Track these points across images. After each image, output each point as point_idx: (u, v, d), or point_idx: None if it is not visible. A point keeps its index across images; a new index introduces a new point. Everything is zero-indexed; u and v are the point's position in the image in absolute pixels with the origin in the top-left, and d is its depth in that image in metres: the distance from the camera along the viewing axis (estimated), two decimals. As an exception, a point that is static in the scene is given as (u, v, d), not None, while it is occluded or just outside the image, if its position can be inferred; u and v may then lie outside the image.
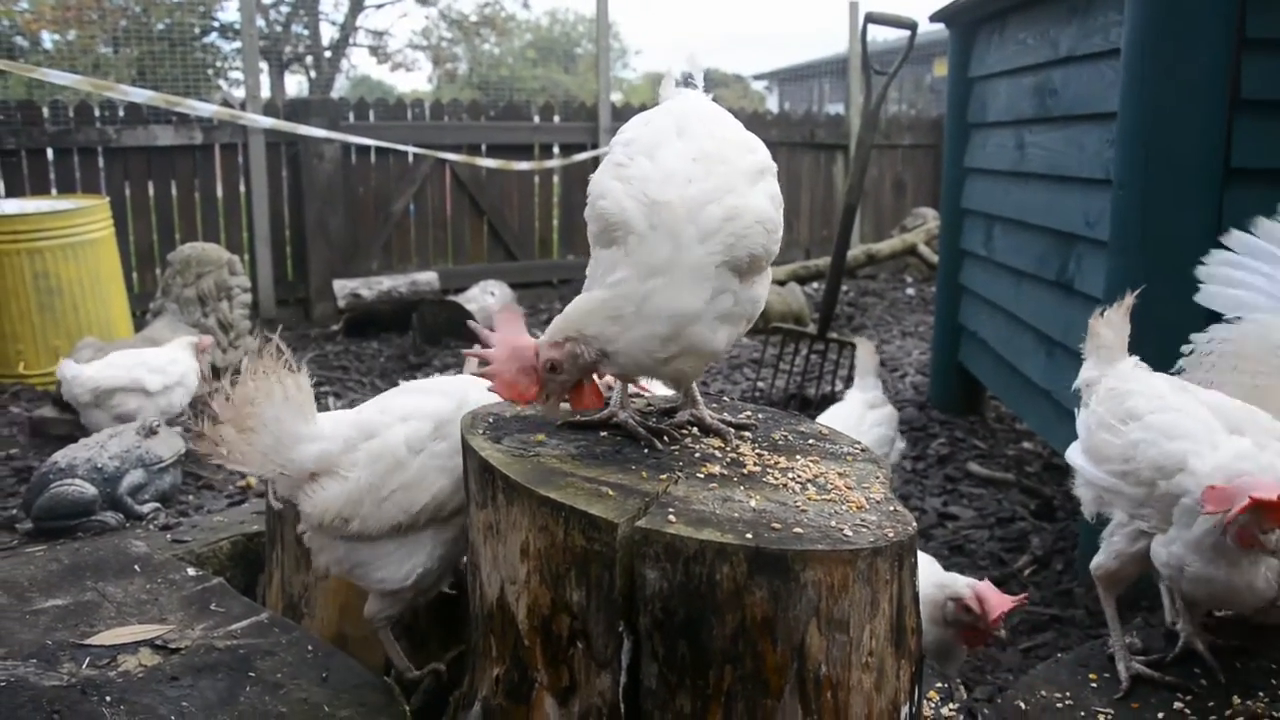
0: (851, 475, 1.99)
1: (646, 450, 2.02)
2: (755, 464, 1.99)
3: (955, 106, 6.50)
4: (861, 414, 4.70)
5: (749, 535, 1.64)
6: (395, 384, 2.91)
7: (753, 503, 1.78)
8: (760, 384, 6.87)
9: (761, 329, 7.08)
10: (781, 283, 9.26)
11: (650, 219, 1.90)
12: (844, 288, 11.08)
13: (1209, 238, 3.88)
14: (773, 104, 40.03)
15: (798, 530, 1.69)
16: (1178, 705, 2.39)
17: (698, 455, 2.01)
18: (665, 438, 2.09)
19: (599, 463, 1.93)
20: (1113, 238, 4.05)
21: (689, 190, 1.91)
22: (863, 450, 2.18)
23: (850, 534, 1.70)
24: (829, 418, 4.54)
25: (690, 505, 1.74)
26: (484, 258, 10.40)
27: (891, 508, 1.86)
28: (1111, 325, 2.85)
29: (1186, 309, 3.92)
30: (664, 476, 1.88)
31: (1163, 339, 3.91)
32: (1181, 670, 2.51)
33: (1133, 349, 2.87)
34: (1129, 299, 2.86)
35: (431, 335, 8.11)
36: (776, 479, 1.92)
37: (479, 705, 1.98)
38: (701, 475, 1.90)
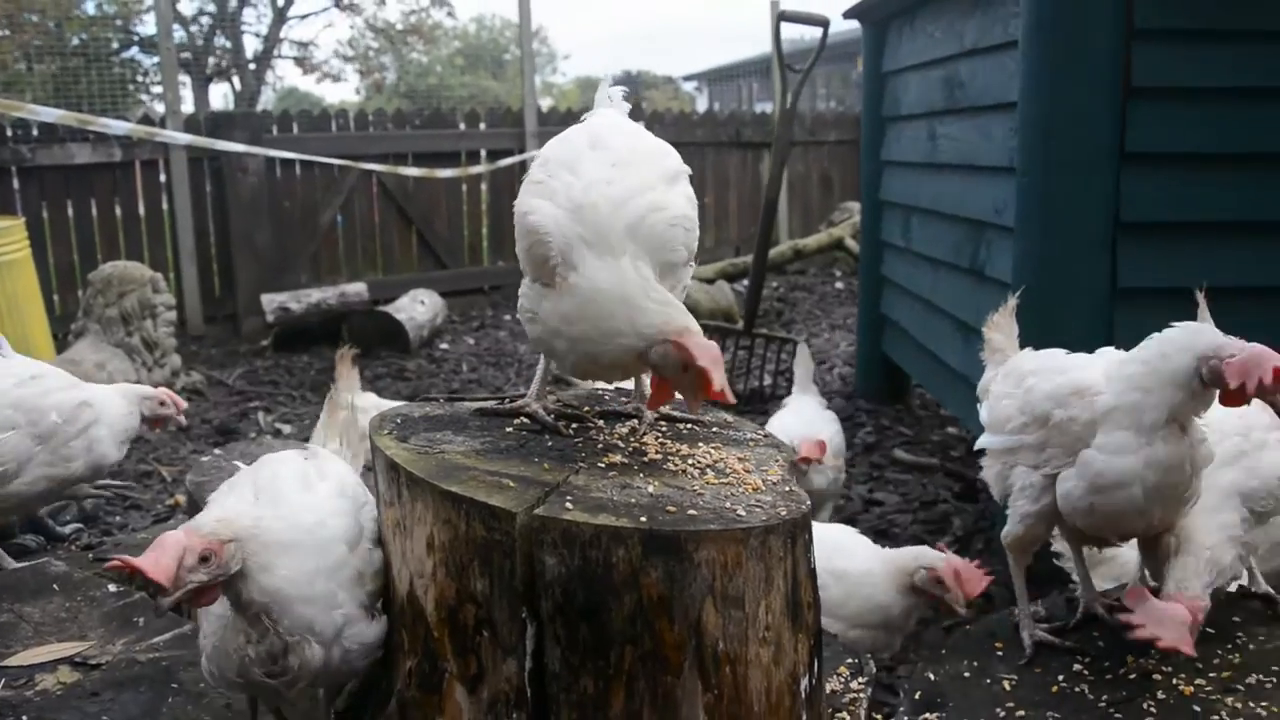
0: (751, 460, 2.06)
1: (551, 443, 2.07)
2: (657, 452, 2.04)
3: (870, 101, 6.63)
4: (819, 412, 4.72)
5: (643, 519, 1.69)
6: (324, 396, 2.94)
7: (650, 488, 1.84)
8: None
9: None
10: (710, 280, 9.35)
11: (578, 220, 1.94)
12: (774, 284, 11.22)
13: (1108, 220, 4.04)
14: (702, 104, 40.28)
15: (692, 512, 1.74)
16: (1077, 668, 2.49)
17: (601, 446, 2.06)
18: (573, 426, 2.15)
19: (503, 456, 1.97)
20: (1018, 224, 4.16)
21: (610, 190, 1.96)
22: (765, 436, 2.25)
23: (744, 514, 1.76)
24: (791, 420, 4.59)
25: (589, 493, 1.79)
26: (414, 267, 10.37)
27: (787, 488, 1.93)
28: (999, 328, 2.99)
29: (1088, 289, 4.07)
30: (566, 467, 1.92)
31: (1065, 319, 4.06)
32: (1081, 635, 2.61)
33: (1037, 329, 2.97)
34: (1011, 302, 2.99)
35: (362, 346, 8.07)
36: (676, 466, 1.98)
37: (394, 699, 2.01)
38: (603, 465, 1.95)
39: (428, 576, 1.85)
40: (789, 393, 6.54)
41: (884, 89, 6.46)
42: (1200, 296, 2.72)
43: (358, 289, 8.92)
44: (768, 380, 6.67)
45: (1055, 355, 2.67)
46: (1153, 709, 2.30)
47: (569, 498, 1.76)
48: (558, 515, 1.69)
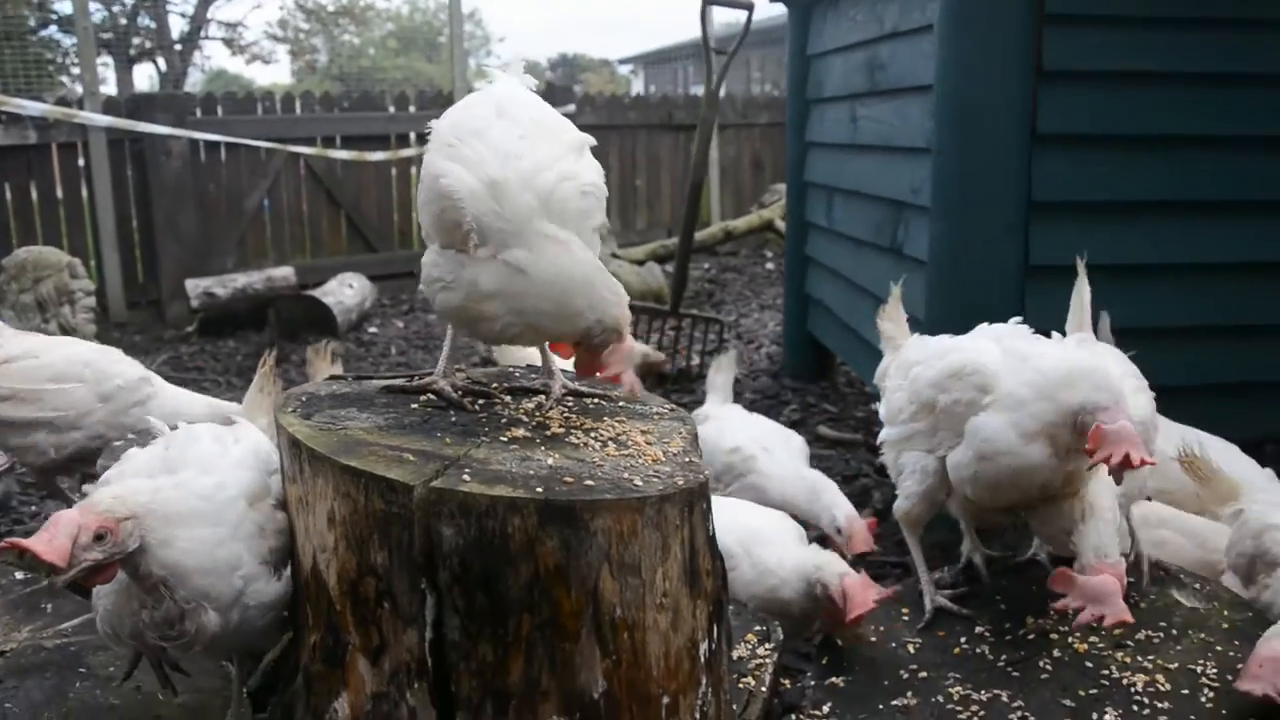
0: (654, 433, 2.09)
1: (455, 419, 2.08)
2: (560, 426, 2.07)
3: (795, 83, 6.68)
4: (748, 418, 4.38)
5: (540, 490, 1.72)
6: (249, 382, 2.95)
7: (550, 461, 1.86)
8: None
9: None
10: (640, 262, 9.39)
11: (493, 195, 1.96)
12: (705, 265, 11.28)
13: (1020, 200, 4.12)
14: (638, 87, 40.25)
15: (589, 483, 1.77)
16: (979, 630, 2.57)
17: (505, 420, 2.08)
18: (479, 402, 2.17)
19: (405, 432, 1.98)
20: (933, 203, 4.23)
21: (522, 164, 1.98)
22: (671, 410, 2.28)
23: (640, 484, 1.80)
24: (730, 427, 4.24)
25: (488, 466, 1.81)
26: (343, 250, 10.27)
27: (687, 459, 1.96)
28: (889, 318, 3.06)
29: (999, 267, 4.16)
30: (468, 441, 1.94)
31: (977, 292, 4.14)
32: (982, 601, 2.69)
33: (952, 307, 3.04)
34: (897, 291, 3.06)
35: (289, 331, 8.02)
36: (579, 439, 2.00)
37: (300, 674, 2.02)
38: (505, 439, 1.97)
39: (330, 551, 1.86)
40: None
41: (808, 71, 6.52)
42: (1080, 268, 2.83)
43: (285, 273, 8.82)
44: (695, 360, 6.72)
45: (937, 342, 2.76)
46: (1048, 666, 2.39)
47: (467, 470, 1.78)
48: (455, 487, 1.71)
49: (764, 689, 2.18)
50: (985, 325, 2.81)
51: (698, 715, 1.87)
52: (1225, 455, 3.14)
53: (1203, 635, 2.47)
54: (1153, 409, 2.77)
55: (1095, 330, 3.41)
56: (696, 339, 6.82)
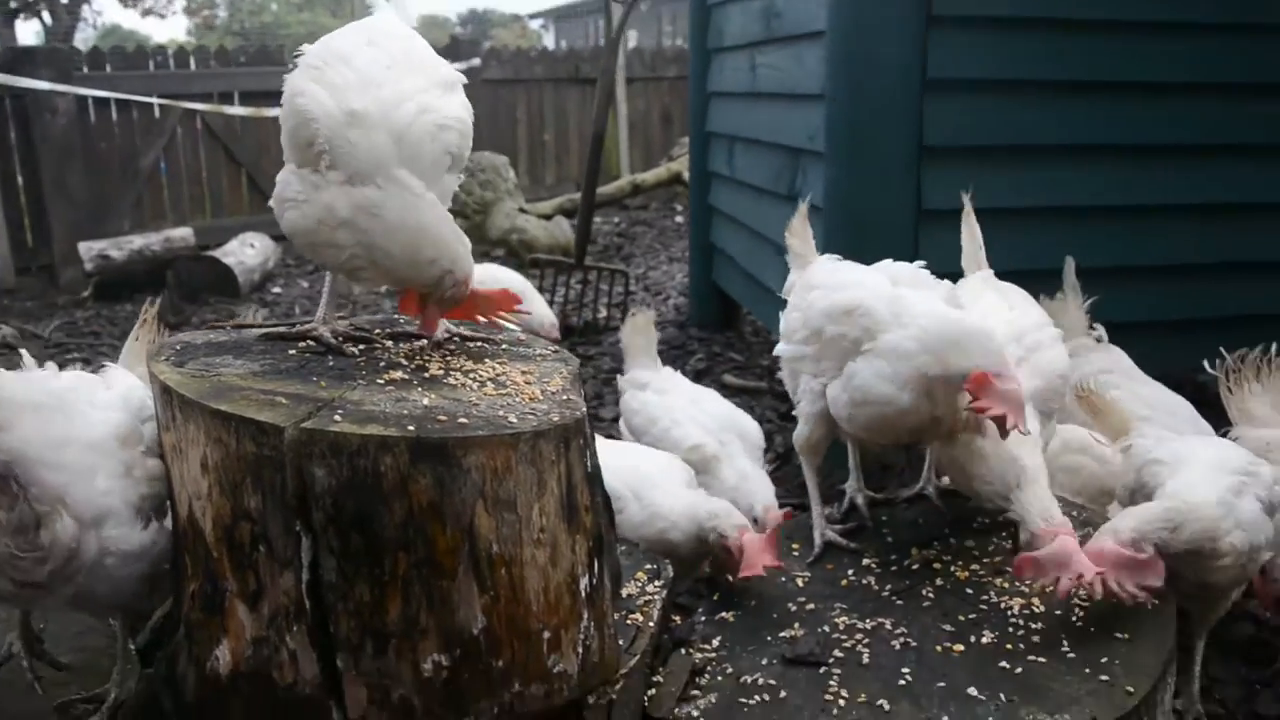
0: (535, 373, 2.09)
1: (333, 363, 2.06)
2: (439, 368, 2.06)
3: (697, 33, 6.67)
4: (697, 394, 3.97)
5: (412, 428, 1.71)
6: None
7: (426, 401, 1.85)
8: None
9: (522, 261, 7.14)
10: (548, 217, 9.34)
11: (350, 121, 1.94)
12: (616, 219, 11.27)
13: (911, 145, 4.18)
14: (549, 41, 39.82)
15: (463, 420, 1.77)
16: (866, 562, 2.63)
17: (383, 364, 2.06)
18: (360, 347, 2.15)
19: (281, 377, 1.96)
20: (828, 150, 4.28)
21: (382, 93, 1.98)
22: (554, 352, 2.28)
23: (515, 420, 1.80)
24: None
25: (362, 407, 1.80)
26: (244, 210, 10.05)
27: (565, 397, 1.97)
28: (795, 234, 3.06)
29: (892, 209, 4.21)
30: (344, 384, 1.92)
31: (872, 237, 4.19)
32: (870, 534, 2.76)
33: (848, 251, 3.06)
34: (803, 207, 3.06)
35: (189, 293, 7.84)
36: (457, 380, 2.00)
37: (182, 625, 2.00)
38: (382, 381, 1.96)
39: (204, 497, 1.83)
40: (622, 322, 6.64)
41: (709, 21, 6.51)
42: (968, 205, 2.95)
43: (184, 234, 8.61)
44: (602, 312, 6.73)
45: (839, 271, 2.77)
46: (931, 594, 2.45)
47: (340, 411, 1.76)
48: (325, 428, 1.69)
49: (652, 624, 2.20)
50: (890, 262, 2.81)
51: (579, 649, 1.89)
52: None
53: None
54: (1068, 362, 2.81)
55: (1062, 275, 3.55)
56: (603, 292, 6.82)
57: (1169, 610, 2.33)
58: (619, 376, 4.05)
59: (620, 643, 2.11)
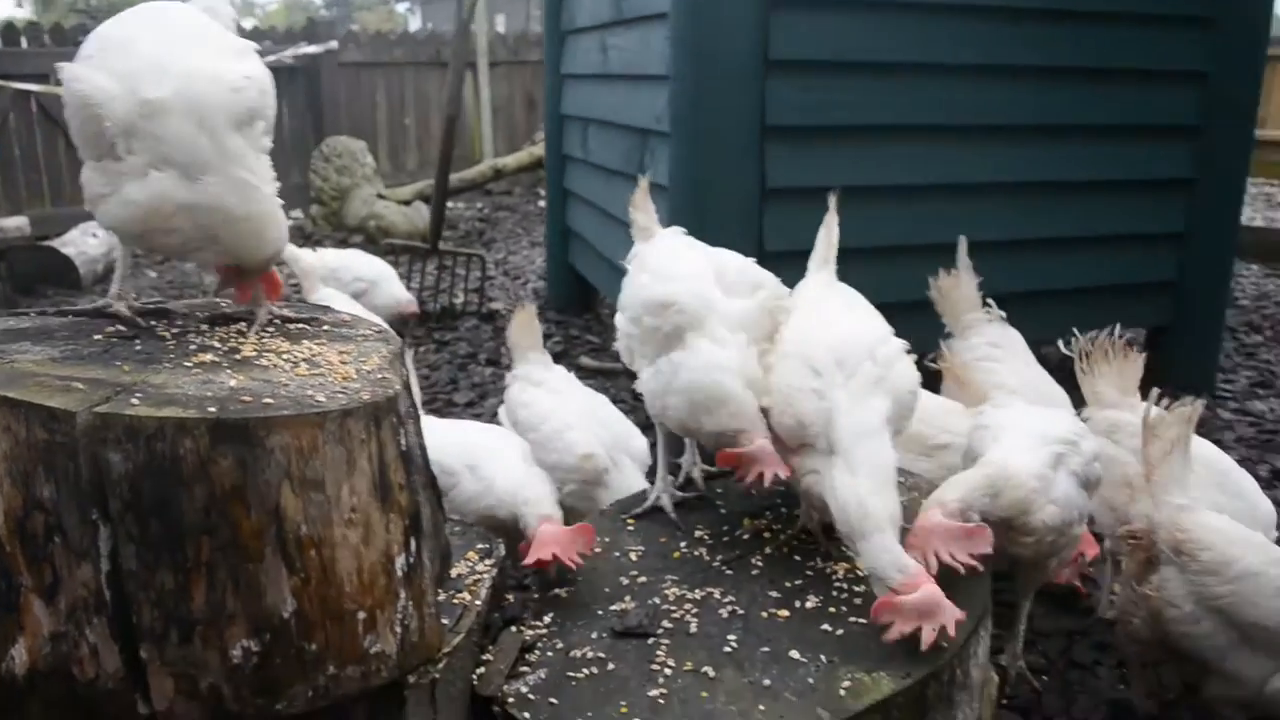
0: (353, 353, 2.06)
1: (140, 347, 2.00)
2: (253, 350, 2.02)
3: (551, 15, 6.65)
4: (590, 401, 3.81)
5: (212, 410, 1.67)
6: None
7: (232, 383, 1.81)
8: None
9: (378, 247, 7.02)
10: (407, 202, 9.22)
11: (143, 113, 1.88)
12: (479, 204, 11.18)
13: (754, 124, 4.24)
14: (415, 24, 39.19)
15: (268, 400, 1.73)
16: (699, 534, 2.67)
17: (194, 347, 2.01)
18: (173, 330, 2.10)
19: (82, 363, 1.89)
20: (672, 129, 4.31)
21: (174, 74, 1.91)
22: (379, 333, 2.25)
23: (323, 399, 1.77)
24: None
25: (164, 390, 1.75)
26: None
27: (380, 376, 1.94)
28: (638, 206, 3.07)
29: (736, 188, 4.28)
30: (149, 368, 1.86)
31: (716, 216, 4.25)
32: (705, 507, 2.81)
33: (694, 231, 3.08)
34: (644, 180, 3.07)
35: (24, 284, 7.51)
36: (270, 362, 1.96)
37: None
38: (190, 364, 1.90)
39: (-5, 489, 1.76)
40: (480, 309, 6.60)
41: (563, 3, 6.50)
42: (832, 206, 2.85)
43: (18, 223, 8.21)
44: (459, 298, 6.67)
45: (672, 257, 2.78)
46: (760, 563, 2.51)
47: (138, 395, 1.71)
48: (121, 411, 1.64)
49: (479, 603, 2.19)
50: (722, 253, 2.83)
51: (397, 630, 1.88)
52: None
53: (904, 525, 2.64)
54: (917, 376, 2.60)
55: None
56: (459, 277, 6.76)
57: (984, 570, 2.41)
58: (508, 371, 3.94)
59: (445, 622, 2.10)
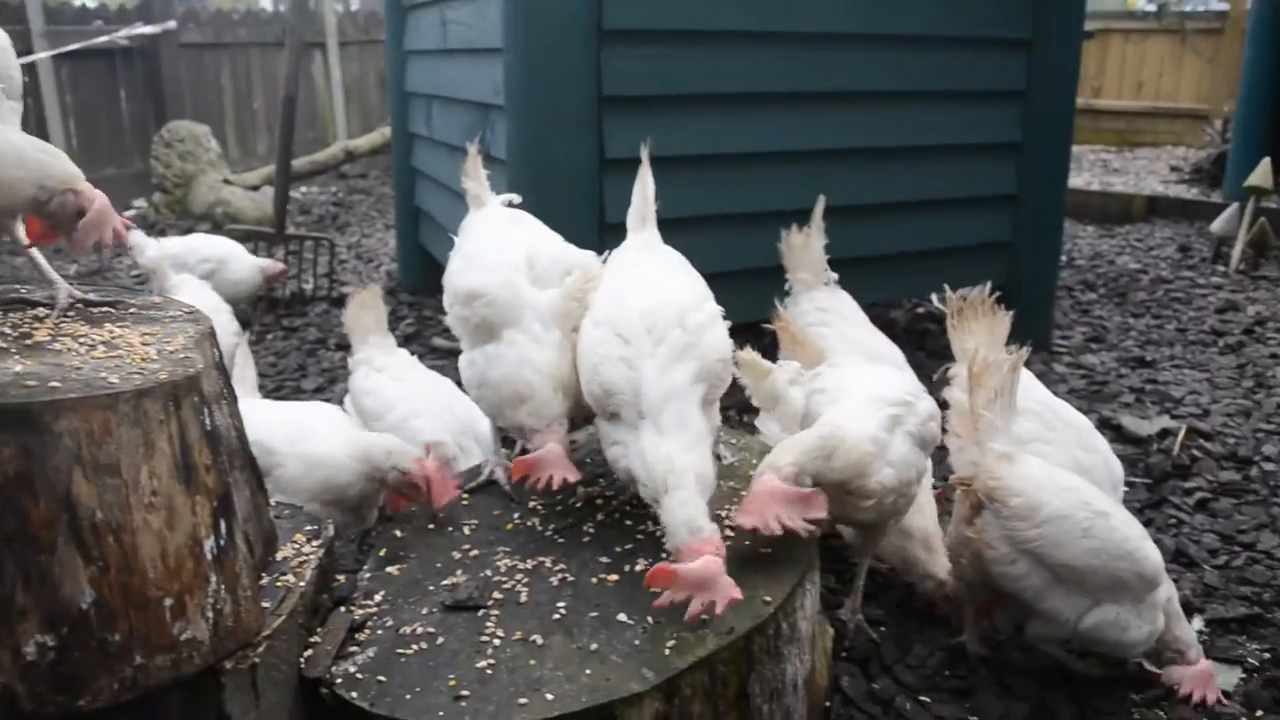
0: (157, 335, 2.00)
1: (-84, 337, 1.90)
2: (48, 335, 1.94)
3: (392, -9, 6.53)
4: (435, 387, 3.71)
5: (-9, 396, 1.60)
6: None
7: (18, 368, 1.74)
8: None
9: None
10: (255, 187, 8.96)
11: None
12: (333, 188, 10.94)
13: (591, 95, 4.23)
14: (268, 3, 37.98)
15: (55, 384, 1.67)
16: (532, 504, 2.68)
17: (-20, 334, 1.92)
18: None
19: None
20: (508, 103, 4.28)
21: None
22: (187, 313, 2.19)
23: (116, 381, 1.71)
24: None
25: (-59, 379, 1.67)
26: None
27: (183, 356, 1.89)
28: (469, 175, 3.04)
29: (575, 162, 4.27)
30: (-74, 358, 1.78)
31: (556, 188, 4.24)
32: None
33: (534, 204, 3.06)
34: (474, 149, 3.04)
35: None
36: (64, 345, 1.89)
37: None
38: (-27, 351, 1.82)
39: None
40: (330, 294, 6.46)
41: (402, -23, 6.38)
42: (645, 160, 2.79)
43: None
44: (309, 283, 6.52)
45: (486, 240, 2.77)
46: (591, 530, 2.52)
47: (-89, 386, 1.63)
48: (-116, 403, 1.56)
49: (303, 584, 2.15)
50: (535, 238, 2.82)
51: (210, 614, 1.83)
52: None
53: (732, 484, 2.69)
54: (729, 343, 2.54)
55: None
56: (309, 261, 6.61)
57: (808, 524, 2.47)
58: (350, 356, 3.85)
59: (266, 605, 2.06)
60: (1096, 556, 2.49)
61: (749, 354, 3.29)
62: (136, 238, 4.76)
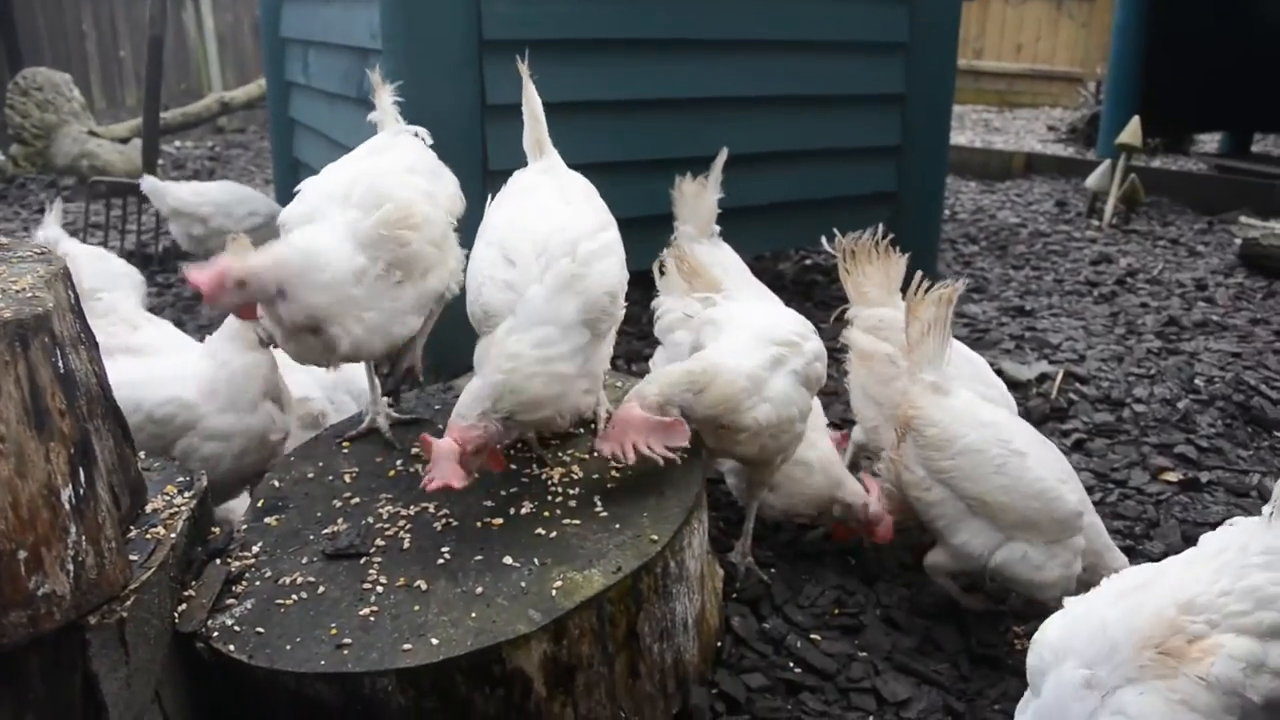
0: (2, 275, 1.87)
1: None
2: (-122, 274, 1.80)
3: (263, -68, 6.27)
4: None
5: None
6: None
7: None
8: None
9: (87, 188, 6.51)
10: (125, 140, 8.57)
11: None
12: (210, 143, 10.56)
13: (471, 39, 4.12)
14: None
15: (-115, 323, 1.55)
16: (415, 451, 2.61)
17: None
18: None
19: None
20: (385, 46, 4.15)
21: None
22: (39, 254, 2.05)
23: (-46, 319, 1.60)
24: None
25: None
26: None
27: (31, 295, 1.77)
28: (383, 109, 2.95)
29: (456, 105, 4.17)
30: None
31: (437, 133, 4.11)
32: (416, 425, 2.74)
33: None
34: (376, 76, 2.92)
35: None
36: (-103, 284, 1.75)
37: None
38: None
39: None
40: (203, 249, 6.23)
41: (276, -82, 6.13)
42: (525, 76, 2.73)
43: None
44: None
45: (327, 169, 2.70)
46: (475, 474, 2.46)
47: None
48: None
49: (173, 536, 2.06)
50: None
51: (69, 567, 1.73)
52: None
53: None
54: (618, 276, 2.45)
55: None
56: (183, 214, 6.34)
57: (695, 465, 2.46)
58: None
59: (134, 558, 1.96)
60: (1007, 494, 2.54)
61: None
62: (150, 184, 5.38)
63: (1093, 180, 7.51)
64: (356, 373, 3.33)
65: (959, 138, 10.62)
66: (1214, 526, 3.19)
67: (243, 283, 2.29)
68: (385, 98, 2.97)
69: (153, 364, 2.90)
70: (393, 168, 2.64)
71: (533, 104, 2.73)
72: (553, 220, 2.39)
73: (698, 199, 3.71)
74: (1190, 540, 3.17)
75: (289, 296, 2.33)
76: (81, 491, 1.77)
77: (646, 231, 3.95)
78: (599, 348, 2.36)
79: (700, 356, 2.54)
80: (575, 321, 2.26)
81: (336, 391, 3.29)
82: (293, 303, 2.33)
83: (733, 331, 2.67)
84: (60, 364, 1.75)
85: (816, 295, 5.21)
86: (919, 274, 2.88)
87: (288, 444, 2.88)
